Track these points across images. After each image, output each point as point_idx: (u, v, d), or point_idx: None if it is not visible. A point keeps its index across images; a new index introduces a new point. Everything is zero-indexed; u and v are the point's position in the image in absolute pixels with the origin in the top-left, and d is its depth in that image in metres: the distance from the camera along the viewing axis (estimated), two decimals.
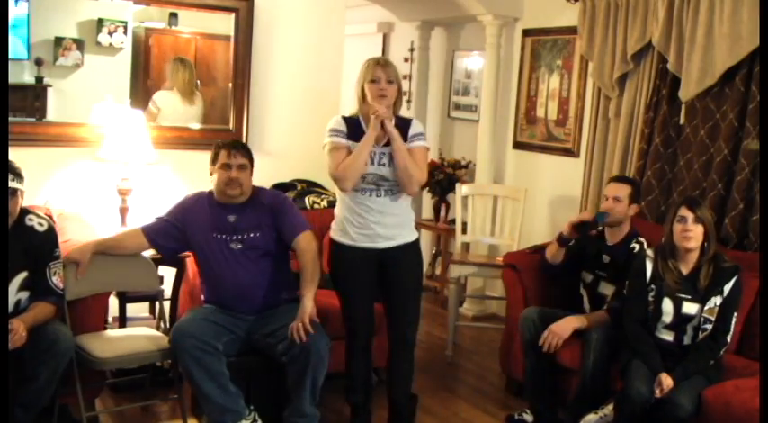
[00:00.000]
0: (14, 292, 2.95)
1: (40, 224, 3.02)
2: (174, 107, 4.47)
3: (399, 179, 3.15)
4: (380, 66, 3.15)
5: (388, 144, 3.13)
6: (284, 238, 3.32)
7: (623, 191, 3.63)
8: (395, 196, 3.20)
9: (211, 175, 3.32)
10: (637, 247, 3.59)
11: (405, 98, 6.50)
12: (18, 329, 2.73)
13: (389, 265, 3.24)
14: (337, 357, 3.26)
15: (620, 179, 3.80)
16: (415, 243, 3.32)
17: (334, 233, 3.28)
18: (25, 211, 3.02)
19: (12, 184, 2.88)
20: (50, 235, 3.04)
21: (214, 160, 3.30)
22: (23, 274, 2.96)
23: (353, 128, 3.16)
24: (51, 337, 2.86)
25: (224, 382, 3.06)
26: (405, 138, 3.16)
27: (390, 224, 3.20)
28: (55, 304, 3.03)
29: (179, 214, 3.34)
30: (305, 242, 3.30)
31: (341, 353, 3.31)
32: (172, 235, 3.31)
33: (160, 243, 3.33)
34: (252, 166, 3.34)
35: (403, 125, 3.20)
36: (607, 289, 3.61)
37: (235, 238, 3.27)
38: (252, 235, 3.28)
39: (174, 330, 3.09)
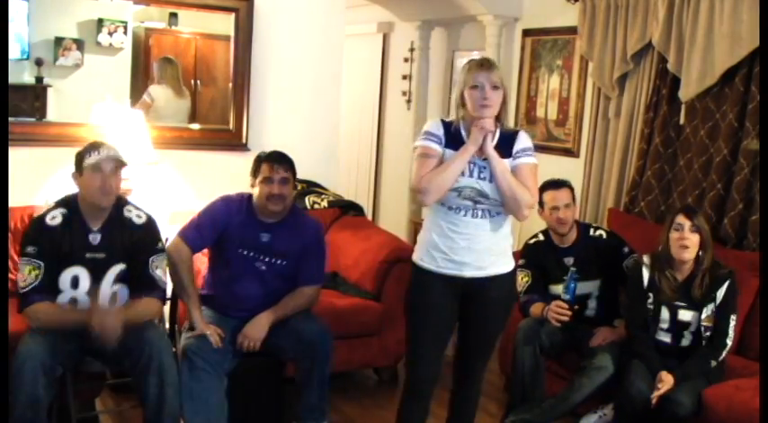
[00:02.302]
0: (110, 285, 2.91)
1: (139, 216, 2.98)
2: (167, 100, 4.51)
3: (505, 204, 2.69)
4: (484, 69, 2.67)
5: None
6: (298, 273, 3.25)
7: (567, 195, 3.50)
8: (494, 218, 2.73)
9: (252, 187, 3.20)
10: (602, 233, 3.55)
11: (405, 98, 6.57)
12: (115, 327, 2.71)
13: (475, 299, 2.79)
14: (339, 357, 3.26)
15: (558, 184, 3.54)
16: (511, 276, 2.86)
17: (416, 255, 2.84)
18: (124, 202, 3.00)
19: (114, 155, 2.84)
20: (150, 227, 2.99)
21: (255, 173, 3.17)
22: (120, 266, 2.92)
23: (451, 135, 2.72)
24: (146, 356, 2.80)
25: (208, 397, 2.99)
26: (509, 153, 2.72)
27: (482, 250, 2.73)
28: (161, 300, 3.01)
29: (220, 218, 3.20)
30: (310, 293, 3.25)
31: (342, 353, 3.31)
32: (209, 240, 3.22)
33: (198, 251, 3.26)
34: (294, 177, 3.23)
35: (508, 138, 2.75)
36: (585, 287, 3.49)
37: (262, 258, 3.19)
38: (279, 262, 3.21)
39: (184, 348, 3.02)
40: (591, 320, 3.52)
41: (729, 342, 3.15)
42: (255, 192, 3.17)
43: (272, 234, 3.19)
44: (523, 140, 2.76)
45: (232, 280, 3.21)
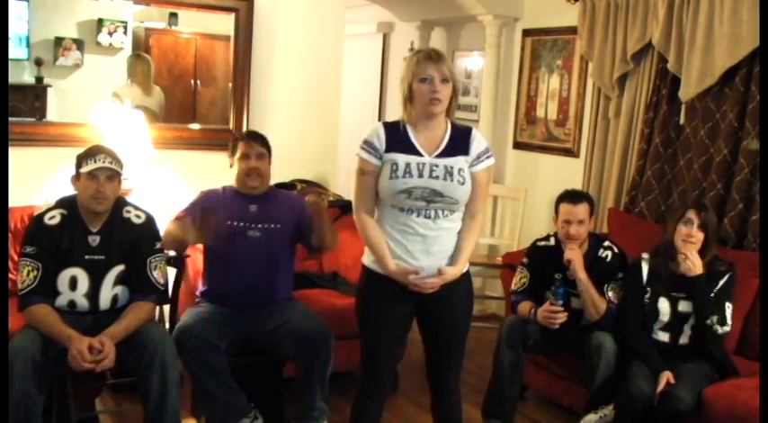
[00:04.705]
0: (110, 287, 2.93)
1: (138, 216, 3.00)
2: (134, 100, 4.37)
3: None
4: (432, 61, 2.55)
5: (441, 155, 2.61)
6: (306, 236, 3.26)
7: (585, 211, 3.40)
8: (447, 217, 2.62)
9: (231, 167, 3.32)
10: (609, 254, 3.45)
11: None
12: (108, 353, 2.74)
13: (434, 302, 2.65)
14: (339, 357, 3.26)
15: (577, 198, 3.45)
16: (467, 275, 2.74)
17: (368, 258, 2.71)
18: (123, 203, 3.01)
19: (109, 165, 2.87)
20: (148, 227, 3.01)
21: (233, 152, 3.30)
22: (120, 268, 2.94)
23: (396, 137, 2.61)
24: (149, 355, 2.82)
25: (227, 379, 3.07)
26: (466, 151, 2.64)
27: (438, 252, 2.62)
28: (156, 303, 3.03)
29: (199, 207, 3.29)
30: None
31: (343, 353, 3.31)
32: (199, 214, 3.27)
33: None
34: (270, 155, 3.33)
35: (461, 134, 2.66)
36: (582, 303, 3.43)
37: (254, 226, 3.24)
38: (273, 226, 3.26)
39: (177, 331, 3.09)
40: (587, 327, 3.50)
41: (728, 328, 3.17)
42: (234, 170, 3.29)
43: (260, 204, 3.28)
44: (482, 141, 2.70)
45: (228, 255, 3.24)
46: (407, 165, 2.58)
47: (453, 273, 2.65)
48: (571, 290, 3.46)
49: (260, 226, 3.25)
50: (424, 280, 2.60)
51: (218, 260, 3.28)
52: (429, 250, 2.62)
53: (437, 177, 2.58)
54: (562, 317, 3.31)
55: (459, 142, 2.64)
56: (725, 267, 3.24)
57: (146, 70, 4.50)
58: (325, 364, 3.12)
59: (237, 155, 3.27)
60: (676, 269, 3.25)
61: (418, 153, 2.61)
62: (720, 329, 3.15)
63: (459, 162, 2.62)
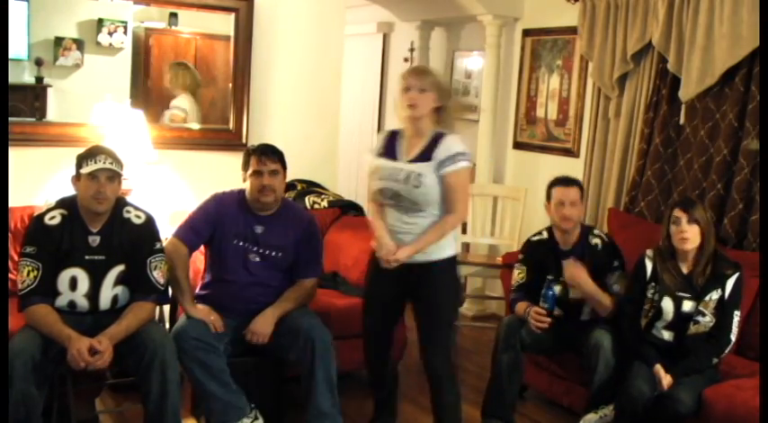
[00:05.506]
0: (110, 287, 2.94)
1: (138, 217, 3.00)
2: (192, 108, 4.46)
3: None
4: (415, 74, 2.96)
5: (413, 161, 2.97)
6: (295, 266, 3.29)
7: (576, 193, 3.48)
8: (418, 215, 2.99)
9: (244, 181, 3.24)
10: (599, 241, 3.50)
11: None
12: (104, 353, 2.75)
13: (420, 284, 3.05)
14: (340, 357, 3.26)
15: (569, 182, 3.55)
16: (451, 260, 3.08)
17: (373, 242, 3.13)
18: (123, 203, 3.01)
19: (110, 166, 2.86)
20: (148, 228, 3.01)
21: (245, 166, 3.22)
22: (120, 268, 2.94)
23: (388, 143, 3.05)
24: (150, 355, 2.82)
25: (226, 379, 3.07)
26: (428, 157, 2.94)
27: (410, 243, 2.99)
28: (156, 303, 3.03)
29: (213, 213, 3.24)
30: (310, 285, 3.31)
31: (343, 353, 3.31)
32: (204, 236, 3.25)
33: (195, 249, 3.30)
34: (284, 169, 3.26)
35: (434, 142, 2.96)
36: (576, 293, 3.47)
37: (256, 249, 3.21)
38: (274, 254, 3.23)
39: (174, 332, 3.08)
40: (587, 323, 3.50)
41: (733, 338, 3.17)
42: (247, 185, 3.22)
43: (266, 226, 3.23)
44: (451, 147, 2.93)
45: (227, 273, 3.22)
46: (382, 168, 3.01)
47: (406, 252, 2.95)
48: (570, 291, 3.48)
49: (261, 251, 3.21)
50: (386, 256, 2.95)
51: (217, 273, 3.27)
52: (403, 240, 2.99)
53: (397, 181, 2.96)
54: (545, 322, 3.34)
55: (431, 148, 2.95)
56: (731, 270, 3.21)
57: (193, 77, 4.57)
58: (326, 362, 3.08)
59: (250, 171, 3.19)
60: (679, 270, 3.25)
61: (395, 158, 3.00)
62: (727, 348, 3.16)
63: (420, 167, 2.93)
